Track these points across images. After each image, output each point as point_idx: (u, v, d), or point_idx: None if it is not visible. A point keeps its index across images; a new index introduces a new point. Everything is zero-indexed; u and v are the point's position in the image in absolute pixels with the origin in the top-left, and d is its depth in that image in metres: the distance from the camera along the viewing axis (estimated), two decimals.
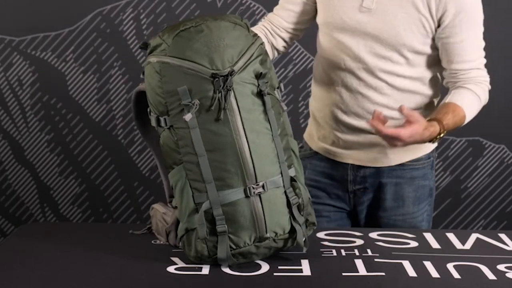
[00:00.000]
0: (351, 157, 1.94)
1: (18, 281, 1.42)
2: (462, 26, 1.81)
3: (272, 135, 1.48)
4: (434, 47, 1.85)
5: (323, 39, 1.92)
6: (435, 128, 1.74)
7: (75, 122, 3.03)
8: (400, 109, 1.70)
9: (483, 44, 1.87)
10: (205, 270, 1.47)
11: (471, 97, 1.84)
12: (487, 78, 1.88)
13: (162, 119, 1.47)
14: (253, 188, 1.45)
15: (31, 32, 2.95)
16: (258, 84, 1.46)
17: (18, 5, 2.93)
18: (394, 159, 1.93)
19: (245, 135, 1.45)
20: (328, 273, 1.48)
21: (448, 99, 1.84)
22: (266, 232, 1.47)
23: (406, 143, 1.70)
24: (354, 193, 1.97)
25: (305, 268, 1.50)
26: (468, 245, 1.68)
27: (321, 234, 1.73)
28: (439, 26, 1.81)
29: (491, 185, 3.05)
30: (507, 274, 1.49)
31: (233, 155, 1.44)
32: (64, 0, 2.94)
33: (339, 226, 1.97)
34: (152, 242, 1.65)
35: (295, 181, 1.51)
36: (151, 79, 1.47)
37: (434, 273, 1.49)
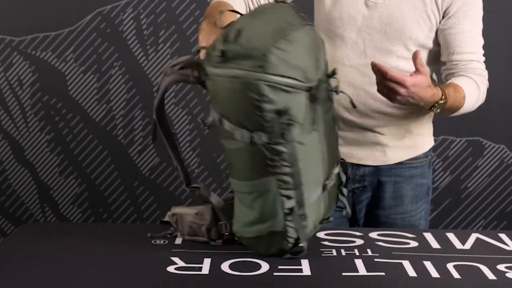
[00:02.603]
0: (351, 155, 1.94)
1: (18, 281, 1.42)
2: (466, 18, 1.83)
3: (336, 133, 1.58)
4: (436, 42, 1.86)
5: (324, 35, 1.90)
6: (438, 91, 1.72)
7: (75, 122, 3.03)
8: (415, 55, 1.66)
9: (482, 41, 1.88)
10: (205, 270, 1.47)
11: (471, 83, 1.83)
12: (486, 73, 1.89)
13: (255, 135, 1.42)
14: (327, 183, 1.55)
15: (31, 32, 2.96)
16: (328, 86, 1.50)
17: (18, 5, 2.93)
18: (393, 157, 1.93)
19: (326, 139, 1.51)
20: (328, 273, 1.48)
21: (448, 82, 1.84)
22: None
23: (408, 93, 1.64)
24: (353, 191, 1.97)
25: (305, 268, 1.50)
26: (468, 245, 1.68)
27: (321, 234, 1.73)
28: (443, 18, 1.82)
29: (491, 185, 3.06)
30: (507, 274, 1.49)
31: (320, 162, 1.50)
32: (64, 0, 2.94)
33: (337, 226, 1.97)
34: (152, 242, 1.65)
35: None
36: (242, 96, 1.39)
37: (434, 273, 1.49)
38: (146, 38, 2.96)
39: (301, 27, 1.42)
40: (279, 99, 1.38)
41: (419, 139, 1.94)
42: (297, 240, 1.52)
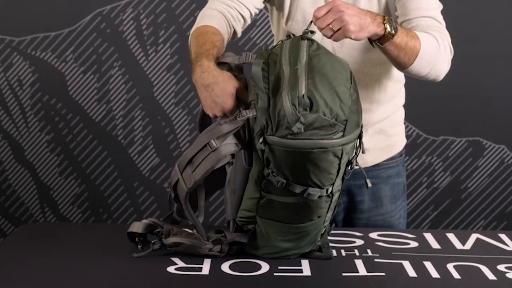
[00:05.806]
0: None
1: (18, 281, 1.42)
2: None
3: None
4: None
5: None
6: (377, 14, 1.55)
7: (75, 122, 3.03)
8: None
9: (440, 6, 1.75)
10: (205, 270, 1.47)
11: (425, 35, 1.66)
12: (446, 32, 1.71)
13: (323, 190, 1.48)
14: None
15: (31, 32, 2.96)
16: None
17: (18, 5, 2.93)
18: (370, 160, 1.91)
19: None
20: (328, 273, 1.48)
21: None
22: None
23: (335, 10, 1.46)
24: None
25: (305, 268, 1.50)
26: (468, 245, 1.69)
27: None
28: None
29: (491, 185, 3.06)
30: (507, 274, 1.49)
31: None
32: (64, 0, 2.94)
33: None
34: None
35: None
36: (322, 161, 1.42)
37: (434, 273, 1.49)
38: (146, 38, 2.96)
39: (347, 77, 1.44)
40: (349, 151, 1.44)
41: (394, 139, 1.94)
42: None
